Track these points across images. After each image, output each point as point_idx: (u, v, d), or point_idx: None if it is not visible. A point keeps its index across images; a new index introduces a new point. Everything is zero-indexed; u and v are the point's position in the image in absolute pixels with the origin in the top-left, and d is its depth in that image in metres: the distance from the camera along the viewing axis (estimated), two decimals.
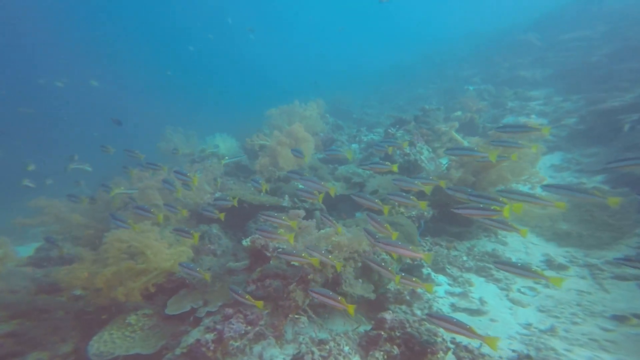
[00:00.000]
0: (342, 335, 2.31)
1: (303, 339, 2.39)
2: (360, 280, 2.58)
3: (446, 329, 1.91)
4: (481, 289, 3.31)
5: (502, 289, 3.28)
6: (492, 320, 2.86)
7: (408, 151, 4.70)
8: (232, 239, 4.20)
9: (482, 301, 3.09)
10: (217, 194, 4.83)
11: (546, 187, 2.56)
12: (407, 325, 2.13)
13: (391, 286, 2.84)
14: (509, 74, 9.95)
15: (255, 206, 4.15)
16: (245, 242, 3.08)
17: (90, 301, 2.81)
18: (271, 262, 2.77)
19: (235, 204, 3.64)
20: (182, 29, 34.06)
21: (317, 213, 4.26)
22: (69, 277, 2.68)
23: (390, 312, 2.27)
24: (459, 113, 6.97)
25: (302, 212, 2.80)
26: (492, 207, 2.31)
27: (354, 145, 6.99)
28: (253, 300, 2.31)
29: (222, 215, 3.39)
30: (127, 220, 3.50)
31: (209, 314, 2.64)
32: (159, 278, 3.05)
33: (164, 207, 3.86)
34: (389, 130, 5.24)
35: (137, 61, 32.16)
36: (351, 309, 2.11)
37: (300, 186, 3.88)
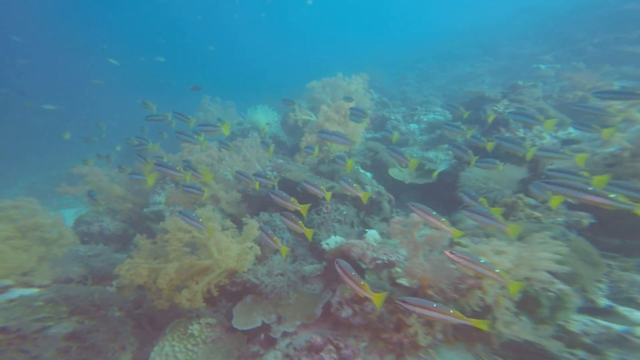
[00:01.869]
0: None
1: None
2: (522, 317, 1.89)
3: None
4: None
5: None
6: None
7: (522, 134, 3.76)
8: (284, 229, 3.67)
9: None
10: (274, 173, 4.27)
11: None
12: None
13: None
14: (603, 51, 8.36)
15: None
16: (327, 245, 2.48)
17: (150, 301, 2.39)
18: (367, 276, 2.19)
19: (276, 185, 3.19)
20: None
21: (387, 204, 3.60)
22: (131, 275, 2.25)
23: None
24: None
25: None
26: None
27: (413, 125, 6.12)
28: (279, 244, 2.16)
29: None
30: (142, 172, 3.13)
31: (285, 334, 2.15)
32: (221, 278, 2.58)
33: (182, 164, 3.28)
34: (494, 108, 4.16)
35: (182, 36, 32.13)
36: (378, 299, 1.65)
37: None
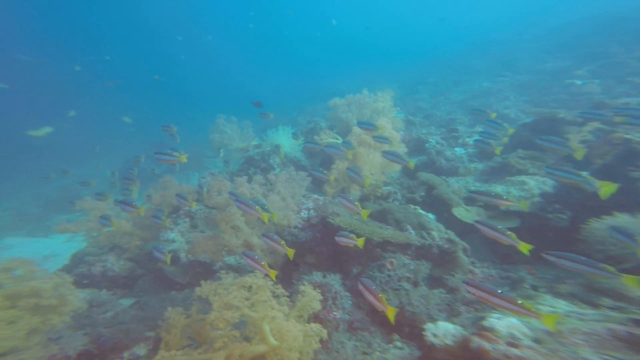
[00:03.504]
0: None
1: None
2: None
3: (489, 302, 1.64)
4: None
5: None
6: None
7: None
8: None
9: None
10: (311, 213, 3.79)
11: None
12: None
13: None
14: None
15: (380, 244, 3.05)
16: (435, 339, 1.90)
17: None
18: None
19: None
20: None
21: (463, 256, 3.08)
22: None
23: None
24: None
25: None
26: None
27: (459, 150, 5.69)
28: (267, 268, 2.37)
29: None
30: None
31: None
32: None
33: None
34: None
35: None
36: (391, 312, 2.01)
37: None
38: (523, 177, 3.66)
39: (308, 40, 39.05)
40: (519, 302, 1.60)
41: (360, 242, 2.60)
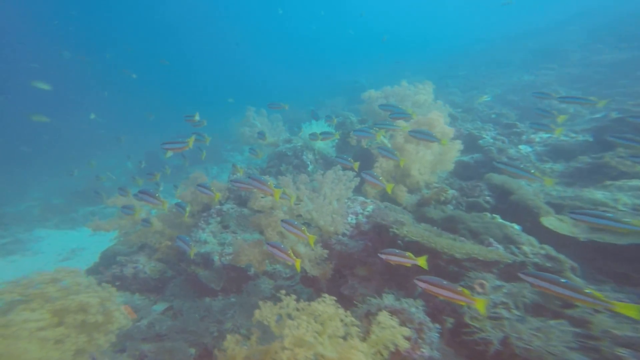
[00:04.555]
0: None
1: None
2: None
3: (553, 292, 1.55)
4: None
5: None
6: None
7: None
8: None
9: None
10: (360, 218, 3.37)
11: None
12: None
13: None
14: None
15: (455, 261, 2.59)
16: None
17: None
18: None
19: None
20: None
21: (574, 278, 2.56)
22: None
23: None
24: None
25: None
26: None
27: (524, 148, 5.08)
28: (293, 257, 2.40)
29: None
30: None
31: None
32: None
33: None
34: None
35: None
36: (480, 304, 1.77)
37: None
38: (636, 181, 3.02)
39: (327, 33, 38.35)
40: (587, 291, 1.47)
41: (421, 262, 2.19)
